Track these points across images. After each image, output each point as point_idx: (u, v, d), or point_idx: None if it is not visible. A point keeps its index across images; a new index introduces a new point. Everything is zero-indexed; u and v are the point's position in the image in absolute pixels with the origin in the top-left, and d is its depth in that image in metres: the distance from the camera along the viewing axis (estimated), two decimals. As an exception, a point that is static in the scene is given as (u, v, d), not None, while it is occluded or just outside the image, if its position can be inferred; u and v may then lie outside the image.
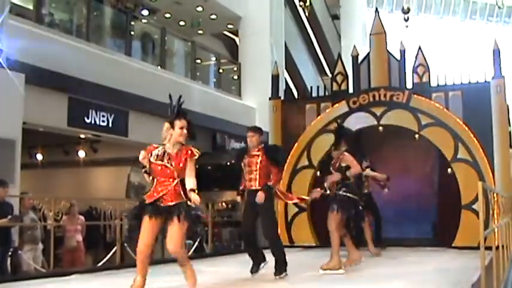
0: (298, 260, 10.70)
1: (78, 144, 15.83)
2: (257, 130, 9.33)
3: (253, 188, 8.73)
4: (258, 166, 8.81)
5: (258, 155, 8.88)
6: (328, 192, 9.21)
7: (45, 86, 11.12)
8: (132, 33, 15.12)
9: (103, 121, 12.54)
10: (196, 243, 14.80)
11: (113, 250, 11.33)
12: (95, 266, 11.87)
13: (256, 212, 8.76)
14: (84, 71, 12.02)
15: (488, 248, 6.62)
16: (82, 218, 13.18)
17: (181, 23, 19.66)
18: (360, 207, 9.50)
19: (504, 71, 14.10)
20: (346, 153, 9.26)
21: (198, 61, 17.71)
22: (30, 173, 16.74)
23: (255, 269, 8.81)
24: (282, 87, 17.52)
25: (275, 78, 16.38)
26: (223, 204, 20.27)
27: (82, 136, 13.80)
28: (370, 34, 15.63)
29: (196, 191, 6.63)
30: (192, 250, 14.44)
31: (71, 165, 16.39)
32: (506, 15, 51.22)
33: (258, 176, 8.74)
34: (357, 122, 14.94)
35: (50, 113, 11.38)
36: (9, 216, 9.78)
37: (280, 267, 8.53)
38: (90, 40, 13.34)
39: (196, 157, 7.05)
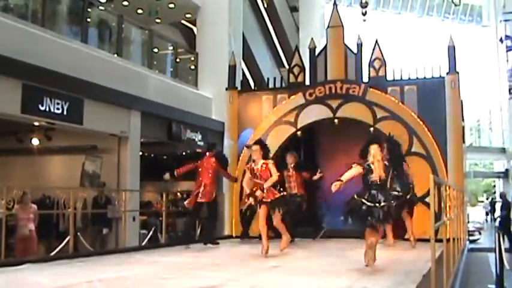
0: (253, 251, 10.73)
1: (32, 132, 15.57)
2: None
3: None
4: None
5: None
6: None
7: (-2, 72, 10.91)
8: (89, 20, 14.91)
9: (58, 109, 12.34)
10: (151, 233, 14.74)
11: (66, 239, 11.22)
12: (47, 255, 11.72)
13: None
14: (39, 57, 11.81)
15: (440, 240, 6.72)
16: (35, 206, 13.01)
17: (139, 11, 19.46)
18: None
19: (458, 66, 14.32)
20: None
21: (155, 50, 17.55)
22: (-19, 160, 16.47)
23: None
24: (238, 77, 17.52)
25: (232, 69, 16.40)
26: (178, 194, 20.22)
27: (36, 124, 13.56)
28: (328, 27, 15.74)
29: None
30: (146, 240, 14.38)
31: (24, 153, 16.13)
32: (462, 13, 51.98)
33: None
34: (312, 114, 15.05)
35: (3, 99, 11.16)
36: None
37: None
38: (45, 26, 13.11)
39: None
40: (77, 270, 8.52)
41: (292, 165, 13.43)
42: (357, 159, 13.44)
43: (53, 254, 11.20)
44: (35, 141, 15.89)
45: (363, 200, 8.79)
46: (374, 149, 9.04)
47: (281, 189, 12.16)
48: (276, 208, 10.60)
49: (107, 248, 13.73)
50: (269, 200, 10.56)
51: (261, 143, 11.21)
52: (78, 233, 12.38)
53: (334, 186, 8.53)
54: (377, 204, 8.70)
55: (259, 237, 11.35)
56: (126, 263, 9.33)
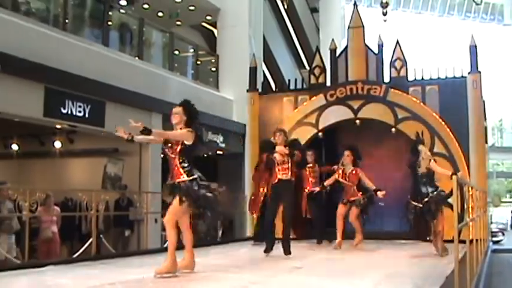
0: (275, 252, 10.70)
1: (54, 135, 15.67)
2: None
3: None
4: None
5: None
6: None
7: (21, 76, 10.99)
8: (110, 23, 15.01)
9: (79, 111, 12.42)
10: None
11: (89, 241, 11.27)
12: (70, 257, 11.80)
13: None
14: (60, 60, 11.90)
15: (463, 242, 6.67)
16: (58, 209, 13.08)
17: (160, 13, 19.55)
18: None
19: (480, 66, 14.21)
20: None
21: (176, 52, 17.62)
22: (5, 163, 16.61)
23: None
24: (259, 79, 17.53)
25: (253, 71, 16.40)
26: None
27: (58, 126, 13.66)
28: (348, 27, 15.69)
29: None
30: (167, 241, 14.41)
31: (46, 156, 16.24)
32: (484, 12, 51.67)
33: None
34: (334, 115, 15.00)
35: (25, 103, 11.26)
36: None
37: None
38: (67, 30, 13.23)
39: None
40: (99, 272, 8.56)
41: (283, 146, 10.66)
42: (378, 159, 13.48)
43: (75, 256, 11.27)
44: (57, 144, 15.99)
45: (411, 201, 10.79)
46: (422, 148, 10.96)
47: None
48: (177, 196, 7.76)
49: (129, 250, 13.79)
50: (172, 182, 7.92)
51: (185, 103, 8.03)
52: (101, 235, 12.44)
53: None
54: (419, 204, 10.63)
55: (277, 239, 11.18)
56: (148, 265, 9.34)
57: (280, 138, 10.69)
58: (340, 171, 12.40)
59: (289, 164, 10.57)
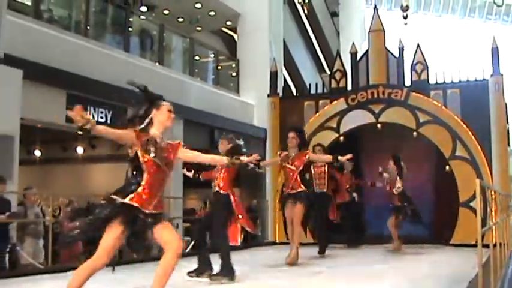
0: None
1: (76, 141, 15.81)
2: None
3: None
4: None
5: None
6: None
7: (43, 82, 11.09)
8: (131, 29, 15.10)
9: (101, 117, 12.49)
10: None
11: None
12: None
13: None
14: (82, 67, 12.00)
15: (486, 246, 6.63)
16: (80, 214, 13.15)
17: (180, 19, 19.64)
18: None
19: (502, 68, 14.12)
20: None
21: (197, 58, 17.69)
22: (28, 169, 16.73)
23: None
24: (280, 84, 17.53)
25: (273, 75, 16.40)
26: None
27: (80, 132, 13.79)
28: (369, 31, 15.65)
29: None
30: (189, 247, 14.43)
31: (69, 162, 16.39)
32: (505, 14, 51.23)
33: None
34: (355, 119, 14.97)
35: (48, 109, 11.35)
36: (7, 213, 9.79)
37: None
38: (88, 36, 13.33)
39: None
40: (121, 277, 8.57)
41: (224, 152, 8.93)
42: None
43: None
44: (80, 150, 16.11)
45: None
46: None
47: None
48: None
49: (150, 255, 13.81)
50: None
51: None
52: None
53: None
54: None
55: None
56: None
57: (222, 147, 9.10)
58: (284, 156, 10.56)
59: (222, 173, 8.88)
